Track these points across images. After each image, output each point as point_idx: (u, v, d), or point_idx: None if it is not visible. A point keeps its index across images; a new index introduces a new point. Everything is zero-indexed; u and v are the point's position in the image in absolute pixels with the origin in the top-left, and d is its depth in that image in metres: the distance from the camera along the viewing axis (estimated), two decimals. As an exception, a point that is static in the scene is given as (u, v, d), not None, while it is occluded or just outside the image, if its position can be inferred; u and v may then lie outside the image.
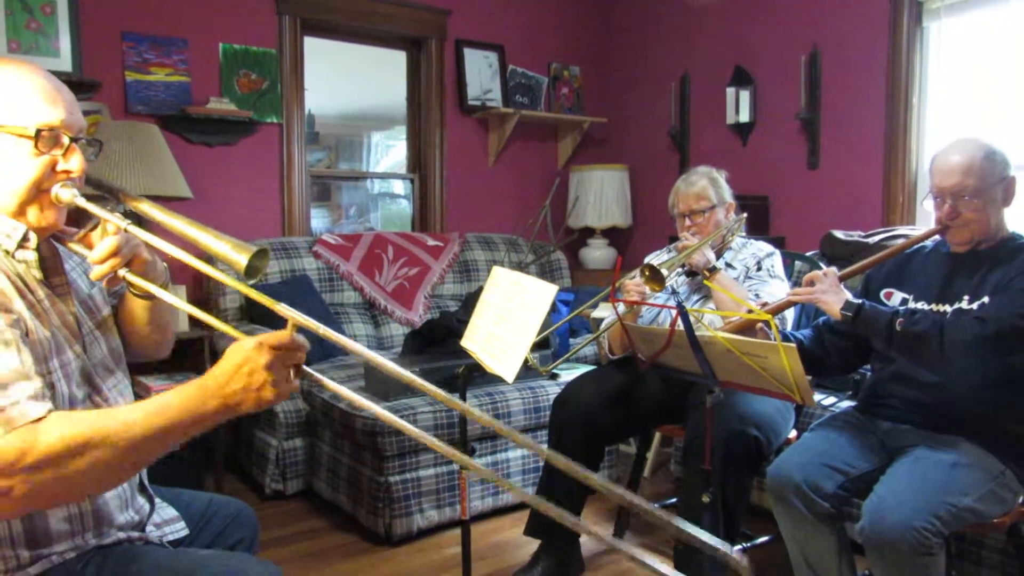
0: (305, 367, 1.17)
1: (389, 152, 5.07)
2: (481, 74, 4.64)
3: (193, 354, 3.29)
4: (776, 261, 2.61)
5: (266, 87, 3.94)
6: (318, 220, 4.57)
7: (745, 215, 2.71)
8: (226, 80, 3.83)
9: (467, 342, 1.99)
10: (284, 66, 3.99)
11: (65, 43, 3.41)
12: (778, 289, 2.48)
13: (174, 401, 1.11)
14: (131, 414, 1.10)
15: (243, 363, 1.10)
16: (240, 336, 1.14)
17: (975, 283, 1.95)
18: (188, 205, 3.48)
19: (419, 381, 1.23)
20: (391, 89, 4.64)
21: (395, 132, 4.89)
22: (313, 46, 4.18)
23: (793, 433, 2.44)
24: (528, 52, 4.83)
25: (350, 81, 4.69)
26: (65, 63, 3.39)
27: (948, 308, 1.96)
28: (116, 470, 1.11)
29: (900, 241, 2.24)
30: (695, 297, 2.64)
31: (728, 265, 2.63)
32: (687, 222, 2.63)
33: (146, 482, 1.45)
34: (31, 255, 1.23)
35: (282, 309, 1.16)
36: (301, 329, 1.15)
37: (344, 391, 1.24)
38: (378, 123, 4.99)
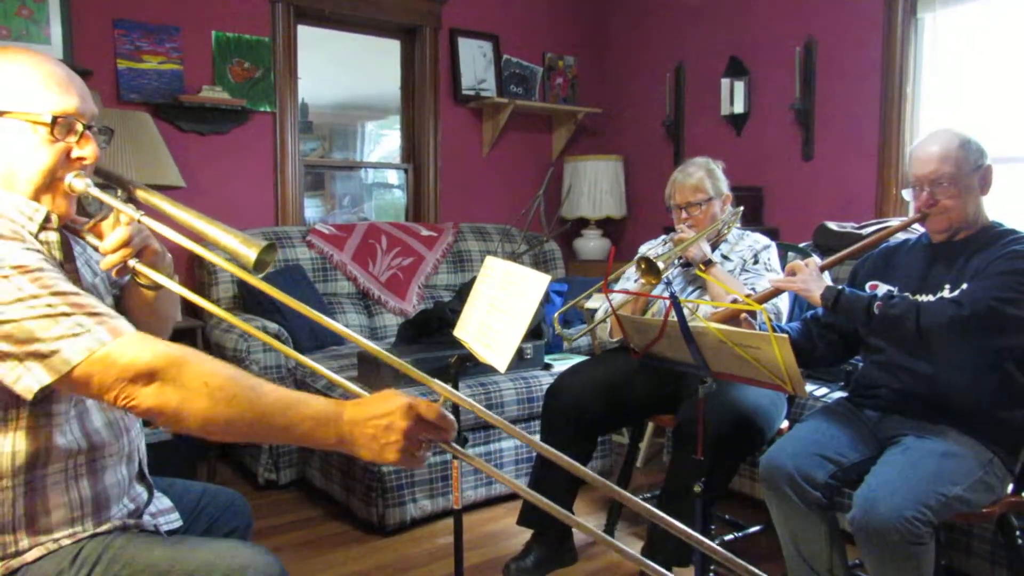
0: (448, 443, 1.12)
1: (383, 142, 5.05)
2: (475, 63, 4.62)
3: (186, 344, 3.26)
4: (772, 254, 2.61)
5: (259, 75, 3.92)
6: (311, 210, 4.55)
7: (742, 208, 2.70)
8: (219, 68, 3.81)
9: (460, 332, 1.99)
10: (277, 54, 3.97)
11: (56, 30, 3.39)
12: None
13: (307, 403, 1.10)
14: (264, 388, 1.11)
15: (386, 415, 1.07)
16: (362, 394, 1.12)
17: (955, 271, 1.97)
18: (180, 194, 3.46)
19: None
20: (385, 78, 4.62)
21: (389, 121, 4.87)
22: (307, 34, 4.16)
23: (785, 423, 2.45)
24: (523, 42, 4.81)
25: (344, 70, 4.66)
26: (56, 50, 3.36)
27: (931, 297, 1.98)
28: (224, 422, 1.11)
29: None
30: (690, 288, 2.64)
31: (724, 257, 2.62)
32: (683, 214, 2.63)
33: (145, 470, 1.45)
34: (53, 235, 1.24)
35: (437, 385, 1.13)
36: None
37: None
38: (372, 112, 4.97)
